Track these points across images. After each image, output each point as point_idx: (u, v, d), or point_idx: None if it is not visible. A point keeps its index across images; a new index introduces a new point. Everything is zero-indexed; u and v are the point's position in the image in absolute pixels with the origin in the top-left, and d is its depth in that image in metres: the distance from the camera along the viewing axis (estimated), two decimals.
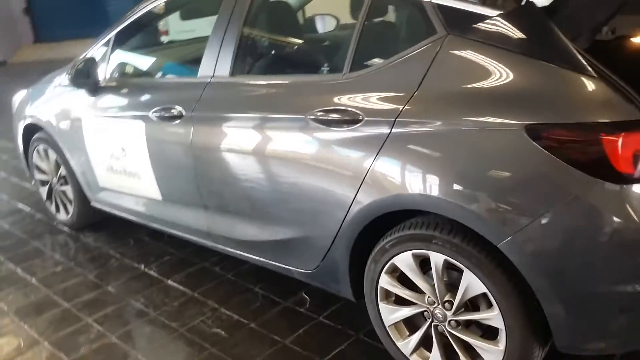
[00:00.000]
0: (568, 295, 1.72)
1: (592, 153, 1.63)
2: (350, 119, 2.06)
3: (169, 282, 3.12)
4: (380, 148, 1.98)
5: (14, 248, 3.72)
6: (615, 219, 1.63)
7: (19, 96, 3.98)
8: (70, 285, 3.20)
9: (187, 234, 2.97)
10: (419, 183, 1.91)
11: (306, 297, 2.84)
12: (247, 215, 2.57)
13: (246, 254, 2.69)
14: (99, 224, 3.85)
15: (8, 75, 10.57)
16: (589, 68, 1.69)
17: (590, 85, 1.69)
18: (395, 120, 1.94)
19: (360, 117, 2.03)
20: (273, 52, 2.84)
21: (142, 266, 3.32)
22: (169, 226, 3.07)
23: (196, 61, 2.73)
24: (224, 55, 2.54)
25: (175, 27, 3.68)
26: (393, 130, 1.95)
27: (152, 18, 3.12)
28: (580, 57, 1.71)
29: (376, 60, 2.09)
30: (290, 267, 2.51)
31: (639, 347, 1.84)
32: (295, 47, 2.78)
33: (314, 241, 2.32)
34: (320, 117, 2.14)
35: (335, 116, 2.10)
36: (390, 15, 2.29)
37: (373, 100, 2.03)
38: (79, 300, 3.04)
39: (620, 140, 1.60)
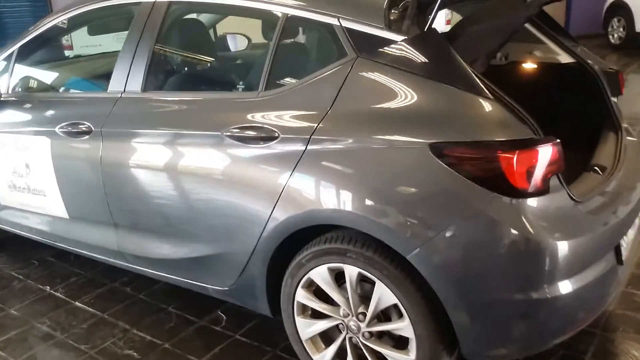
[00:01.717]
0: (472, 304, 1.83)
1: (490, 169, 1.76)
2: (266, 136, 2.09)
3: (77, 303, 3.01)
4: (296, 165, 2.02)
5: None
6: (512, 230, 1.75)
7: None
8: None
9: (96, 253, 2.89)
10: (333, 198, 1.97)
11: (222, 315, 2.82)
12: (160, 233, 2.53)
13: (159, 273, 2.65)
14: (0, 243, 3.65)
15: None
16: (486, 90, 1.82)
17: (487, 106, 1.82)
18: (310, 138, 1.99)
19: (276, 135, 2.07)
20: (186, 68, 2.84)
21: (48, 288, 3.18)
22: (77, 246, 2.96)
23: (105, 76, 2.68)
24: (135, 70, 2.50)
25: (82, 42, 3.57)
26: (308, 147, 2.00)
27: (57, 32, 3.01)
28: (478, 80, 1.84)
29: (290, 80, 2.14)
30: (205, 285, 2.49)
31: (538, 351, 1.98)
32: (209, 64, 2.79)
33: (230, 258, 2.32)
34: (236, 134, 2.15)
35: (251, 133, 2.13)
36: (302, 37, 2.36)
37: (288, 118, 2.08)
38: None
39: (515, 157, 1.73)
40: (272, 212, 2.10)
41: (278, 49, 2.18)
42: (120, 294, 3.07)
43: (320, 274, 2.09)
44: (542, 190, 1.77)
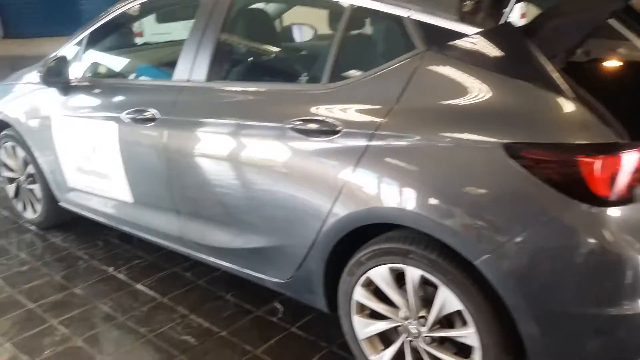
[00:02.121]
0: (543, 315, 1.72)
1: (569, 174, 1.64)
2: (328, 130, 2.03)
3: (138, 286, 3.06)
4: (358, 160, 1.96)
5: None
6: (590, 240, 1.63)
7: None
8: (36, 285, 3.12)
9: (158, 238, 2.92)
10: (395, 197, 1.90)
11: (279, 306, 2.80)
12: (220, 221, 2.53)
13: (218, 261, 2.65)
14: (67, 224, 3.77)
15: None
16: (568, 89, 1.69)
17: (568, 106, 1.69)
18: (373, 133, 1.92)
19: (339, 128, 2.01)
20: (250, 59, 2.81)
21: (111, 269, 3.25)
22: (139, 229, 3.01)
23: (171, 64, 2.68)
24: (200, 60, 2.49)
25: (151, 30, 3.60)
26: (371, 142, 1.93)
27: (127, 19, 3.06)
28: (558, 77, 1.71)
29: (355, 72, 2.06)
30: (263, 276, 2.47)
31: None
32: (273, 55, 2.74)
33: (289, 250, 2.29)
34: (298, 127, 2.11)
35: (314, 126, 2.07)
36: (369, 28, 2.27)
37: (352, 112, 2.01)
38: (45, 301, 2.96)
39: (597, 163, 1.60)
40: (332, 207, 2.05)
41: (343, 40, 2.11)
42: (180, 279, 3.10)
43: (380, 274, 2.03)
44: (626, 199, 1.63)
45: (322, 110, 2.08)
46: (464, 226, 1.77)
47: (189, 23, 2.62)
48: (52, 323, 2.76)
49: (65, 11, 12.19)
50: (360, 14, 2.12)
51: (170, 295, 2.95)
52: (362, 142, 1.95)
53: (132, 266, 3.28)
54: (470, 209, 1.77)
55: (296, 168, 2.14)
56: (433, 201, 1.82)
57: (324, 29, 2.71)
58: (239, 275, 2.62)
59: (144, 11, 3.03)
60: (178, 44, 2.77)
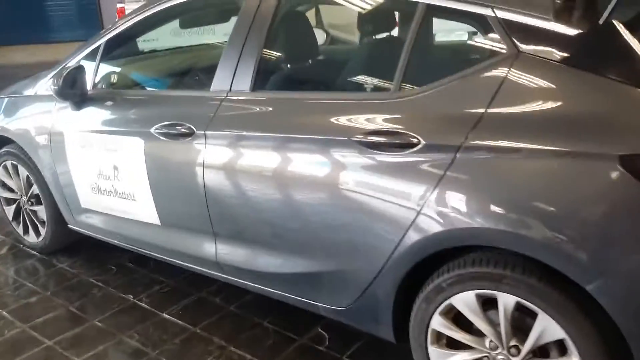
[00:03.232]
0: None
1: None
2: (404, 143, 1.84)
3: (165, 315, 2.81)
4: (442, 176, 1.77)
5: None
6: None
7: None
8: (50, 319, 2.84)
9: (189, 263, 2.68)
10: (489, 216, 1.71)
11: (323, 333, 2.59)
12: (267, 245, 2.31)
13: (263, 287, 2.44)
14: (72, 247, 3.49)
15: None
16: None
17: None
18: (460, 146, 1.74)
19: (417, 141, 1.82)
20: (302, 65, 2.59)
21: (131, 297, 2.99)
22: (167, 254, 2.77)
23: (205, 72, 2.47)
24: (243, 67, 2.28)
25: (175, 36, 3.35)
26: (457, 156, 1.75)
27: (148, 25, 2.80)
28: None
29: (432, 79, 1.87)
30: (316, 303, 2.27)
31: None
32: (329, 60, 2.53)
33: (351, 276, 2.09)
34: (367, 140, 1.91)
35: (386, 139, 1.88)
36: (447, 30, 2.09)
37: (432, 123, 1.83)
38: (63, 337, 2.68)
39: None
40: (408, 229, 1.86)
41: (416, 43, 1.93)
42: (209, 306, 2.87)
43: (465, 301, 1.84)
44: None
45: (394, 121, 1.89)
46: (574, 247, 1.60)
47: (217, 27, 2.41)
48: None
49: (34, 18, 11.81)
50: (435, 13, 1.94)
51: (203, 325, 2.71)
52: (447, 156, 1.76)
53: (154, 292, 3.03)
54: (581, 228, 1.60)
55: (364, 186, 1.94)
56: (535, 220, 1.65)
57: (381, 30, 2.51)
58: (286, 301, 2.41)
59: (167, 16, 2.79)
60: (209, 49, 2.55)
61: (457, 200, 1.76)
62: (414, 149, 1.82)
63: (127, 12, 7.53)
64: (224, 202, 2.36)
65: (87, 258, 3.43)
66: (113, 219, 2.91)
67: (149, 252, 2.88)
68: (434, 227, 1.81)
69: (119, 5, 7.87)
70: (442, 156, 1.78)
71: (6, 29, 11.62)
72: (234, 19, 2.44)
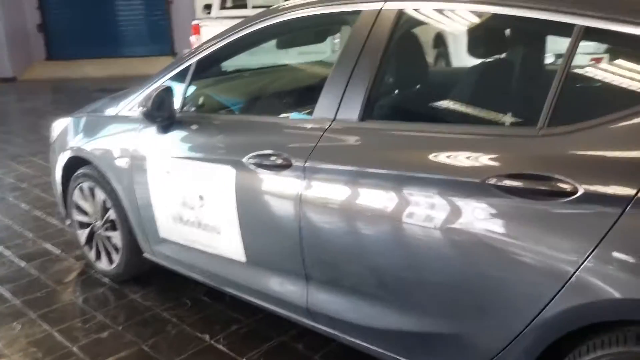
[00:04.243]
0: None
1: None
2: (556, 190, 1.55)
3: None
4: (606, 233, 1.47)
5: (46, 302, 3.15)
6: None
7: (60, 124, 3.46)
8: (123, 358, 2.63)
9: (275, 306, 2.43)
10: None
11: None
12: (371, 295, 2.04)
13: (358, 341, 2.16)
14: (145, 277, 3.31)
15: (18, 92, 10.17)
16: None
17: None
18: (634, 197, 1.43)
19: (574, 190, 1.52)
20: (420, 93, 2.33)
21: (207, 337, 2.76)
22: (250, 294, 2.53)
23: (304, 97, 2.23)
24: (351, 94, 2.04)
25: (271, 56, 3.16)
26: (628, 209, 1.43)
27: (245, 45, 2.61)
28: None
29: (591, 114, 1.57)
30: None
31: None
32: (451, 87, 2.25)
33: (477, 340, 1.79)
34: (506, 185, 1.62)
35: (532, 185, 1.59)
36: (607, 55, 1.79)
37: (595, 168, 1.52)
38: None
39: None
40: (557, 294, 1.55)
41: (569, 71, 1.63)
42: (292, 353, 2.61)
43: None
44: None
45: (542, 164, 1.59)
46: None
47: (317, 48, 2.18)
48: None
49: (106, 33, 12.07)
50: (593, 36, 1.64)
51: None
52: (613, 209, 1.46)
53: (231, 333, 2.79)
54: None
55: (501, 237, 1.65)
56: None
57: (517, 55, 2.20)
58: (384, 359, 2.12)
59: (266, 35, 2.58)
60: (307, 71, 2.31)
61: (619, 264, 1.45)
62: (570, 198, 1.52)
63: (202, 28, 7.53)
64: (322, 243, 2.11)
65: (160, 289, 3.24)
66: (193, 252, 2.70)
67: (230, 291, 2.65)
68: (595, 294, 1.50)
69: (194, 22, 7.84)
70: (606, 209, 1.47)
71: (79, 43, 11.92)
72: (330, 39, 2.21)
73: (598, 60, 1.70)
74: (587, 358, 1.56)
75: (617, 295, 1.46)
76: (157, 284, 3.28)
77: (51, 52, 12.13)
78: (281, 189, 2.17)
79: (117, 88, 3.39)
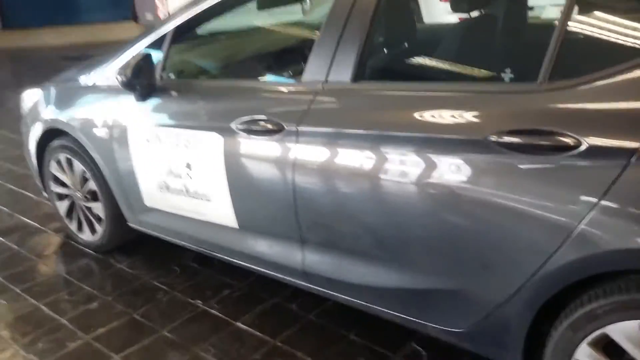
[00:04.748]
0: None
1: None
2: (559, 145, 1.56)
3: (239, 324, 2.58)
4: (610, 185, 1.49)
5: (30, 276, 3.09)
6: None
7: (30, 95, 3.33)
8: (115, 328, 2.61)
9: (270, 269, 2.44)
10: None
11: (419, 349, 2.34)
12: (368, 255, 2.06)
13: (358, 301, 2.19)
14: (129, 246, 3.27)
15: None
16: None
17: None
18: (638, 150, 1.44)
19: (577, 143, 1.53)
20: (416, 51, 2.28)
21: (200, 302, 2.76)
22: (244, 259, 2.52)
23: (288, 59, 2.18)
24: (342, 54, 2.00)
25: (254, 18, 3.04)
26: (632, 161, 1.45)
27: (225, 8, 2.51)
28: None
29: (593, 67, 1.57)
30: (426, 323, 2.01)
31: None
32: (451, 46, 2.22)
33: (476, 296, 1.83)
34: (510, 141, 1.63)
35: (535, 140, 1.59)
36: (607, 8, 1.77)
37: (599, 121, 1.53)
38: (133, 349, 2.45)
39: None
40: (561, 246, 1.58)
41: (568, 24, 1.62)
42: (286, 314, 2.62)
43: (624, 331, 1.56)
44: None
45: (545, 119, 1.60)
46: None
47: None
48: None
49: None
50: None
51: (283, 336, 2.47)
52: (616, 162, 1.47)
53: (224, 297, 2.79)
54: None
55: (504, 194, 1.66)
56: None
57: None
58: (386, 318, 2.15)
59: None
60: (291, 30, 2.25)
61: (629, 215, 1.48)
62: (573, 152, 1.53)
63: None
64: (317, 206, 2.10)
65: (146, 257, 3.21)
66: (182, 219, 2.66)
67: (222, 256, 2.64)
68: (599, 246, 1.53)
69: None
70: (610, 162, 1.49)
71: (35, 9, 11.34)
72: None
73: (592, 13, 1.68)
74: (588, 307, 1.60)
75: (621, 245, 1.49)
76: (143, 253, 3.25)
77: (5, 20, 11.55)
78: (273, 154, 2.14)
79: (80, 56, 3.26)
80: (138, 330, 2.59)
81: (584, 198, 1.53)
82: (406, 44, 2.26)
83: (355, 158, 1.95)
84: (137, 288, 2.93)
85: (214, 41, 2.98)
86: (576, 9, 1.63)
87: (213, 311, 2.69)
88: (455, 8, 2.27)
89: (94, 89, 2.87)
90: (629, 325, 1.55)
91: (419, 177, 1.81)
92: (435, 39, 2.24)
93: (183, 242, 2.79)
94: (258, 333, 2.51)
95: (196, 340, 2.49)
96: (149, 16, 9.40)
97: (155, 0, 7.43)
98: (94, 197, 3.11)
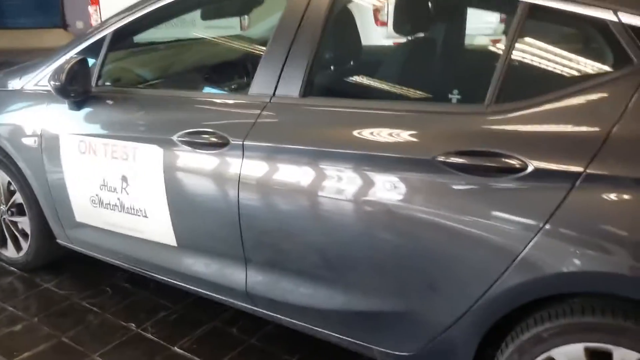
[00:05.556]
0: None
1: None
2: (506, 167, 1.55)
3: (177, 349, 2.44)
4: (556, 208, 1.49)
5: None
6: None
7: None
8: (41, 352, 2.43)
9: (210, 290, 2.33)
10: (616, 260, 1.44)
11: None
12: (314, 277, 1.99)
13: (302, 324, 2.11)
14: (56, 264, 3.08)
15: None
16: None
17: None
18: (583, 173, 1.45)
19: (523, 166, 1.53)
20: (366, 68, 2.25)
21: (133, 325, 2.61)
22: (181, 279, 2.40)
23: (230, 72, 2.12)
24: (291, 68, 1.95)
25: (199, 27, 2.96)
26: (577, 185, 1.46)
27: (167, 15, 2.42)
28: None
29: (539, 91, 1.58)
30: (371, 346, 1.96)
31: None
32: (402, 65, 2.19)
33: (423, 318, 1.79)
34: (458, 162, 1.61)
35: (481, 161, 1.58)
36: (554, 34, 1.80)
37: (544, 144, 1.54)
38: None
39: None
40: (506, 270, 1.57)
41: (515, 48, 1.63)
42: (226, 338, 2.51)
43: (569, 354, 1.57)
44: None
45: (492, 140, 1.59)
46: None
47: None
48: None
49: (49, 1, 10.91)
50: (539, 15, 1.64)
51: None
52: (561, 184, 1.48)
53: (159, 320, 2.65)
54: None
55: (450, 216, 1.64)
56: None
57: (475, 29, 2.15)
58: (330, 340, 2.09)
59: (191, 4, 2.40)
60: (237, 42, 2.19)
61: (574, 239, 1.48)
62: (519, 175, 1.53)
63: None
64: (262, 224, 2.02)
65: (75, 277, 3.03)
66: (115, 236, 2.52)
67: (158, 276, 2.51)
68: (544, 269, 1.52)
69: None
70: (556, 185, 1.49)
71: (28, 12, 10.72)
72: (256, 11, 2.10)
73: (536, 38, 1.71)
74: (534, 330, 1.60)
75: (566, 269, 1.49)
76: (72, 271, 3.07)
77: None
78: (217, 168, 2.05)
79: (4, 62, 3.08)
80: (67, 355, 2.42)
81: (529, 221, 1.52)
82: (357, 62, 2.23)
83: (302, 176, 1.89)
84: (65, 309, 2.75)
85: (154, 50, 2.88)
86: (523, 32, 1.64)
87: (148, 334, 2.55)
88: (398, 31, 2.27)
89: (23, 94, 2.70)
90: (574, 348, 1.55)
91: (362, 196, 1.77)
92: (383, 58, 2.23)
93: (115, 261, 2.64)
94: (196, 358, 2.39)
95: None
96: (79, 24, 9.06)
97: (89, 8, 7.15)
98: (20, 211, 2.91)
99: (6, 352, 2.42)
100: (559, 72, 1.70)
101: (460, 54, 2.19)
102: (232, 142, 2.00)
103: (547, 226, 1.50)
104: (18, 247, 3.03)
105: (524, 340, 1.62)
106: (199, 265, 2.29)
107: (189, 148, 2.10)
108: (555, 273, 1.51)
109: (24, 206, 2.86)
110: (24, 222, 2.92)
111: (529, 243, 1.53)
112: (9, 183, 2.88)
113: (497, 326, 1.70)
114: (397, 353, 1.90)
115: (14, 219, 2.97)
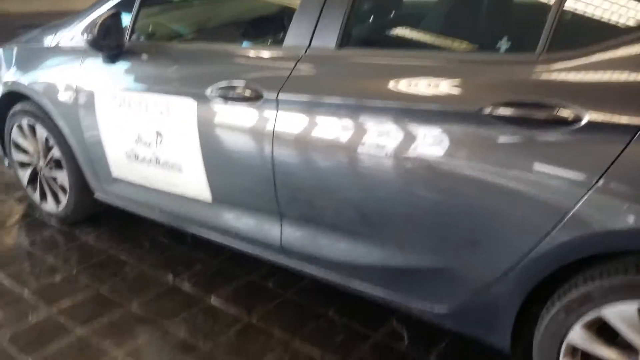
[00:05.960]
0: None
1: None
2: (558, 119, 1.46)
3: (212, 301, 2.47)
4: (612, 163, 1.40)
5: None
6: None
7: None
8: (80, 302, 2.48)
9: (245, 246, 2.32)
10: None
11: (400, 328, 2.26)
12: (350, 232, 1.95)
13: (337, 279, 2.09)
14: (96, 218, 3.12)
15: None
16: None
17: None
18: None
19: (577, 118, 1.44)
20: (407, 17, 2.15)
21: (170, 277, 2.64)
22: (217, 234, 2.40)
23: (266, 24, 2.04)
24: (327, 19, 1.87)
25: None
26: (636, 137, 1.37)
27: None
28: None
29: (591, 39, 1.47)
30: (410, 302, 1.93)
31: None
32: (446, 13, 2.07)
33: (464, 275, 1.74)
34: (507, 114, 1.53)
35: (532, 113, 1.49)
36: None
37: (600, 94, 1.44)
38: (96, 324, 2.33)
39: None
40: (555, 226, 1.50)
41: None
42: (262, 291, 2.52)
43: (621, 314, 1.50)
44: None
45: (543, 91, 1.50)
46: None
47: None
48: (115, 355, 2.15)
49: None
50: None
51: (258, 314, 2.37)
52: (619, 138, 1.39)
53: (196, 273, 2.67)
54: None
55: (497, 171, 1.57)
56: None
57: None
58: (367, 297, 2.07)
59: None
60: None
61: (630, 196, 1.40)
62: (573, 127, 1.44)
63: None
64: (298, 179, 1.98)
65: (114, 231, 3.06)
66: (151, 191, 2.52)
67: (194, 231, 2.51)
68: (597, 226, 1.45)
69: None
70: (611, 138, 1.40)
71: None
72: None
73: None
74: (583, 289, 1.53)
75: (620, 226, 1.42)
76: (111, 225, 3.10)
77: None
78: (251, 123, 2.01)
79: (44, 24, 3.06)
80: (104, 305, 2.46)
81: (582, 176, 1.44)
82: (398, 10, 2.12)
83: (337, 130, 1.83)
84: (103, 261, 2.79)
85: (187, 5, 2.81)
86: None
87: (184, 287, 2.57)
88: None
89: (57, 50, 2.69)
90: (627, 307, 1.49)
91: (402, 150, 1.70)
92: (426, 8, 2.12)
93: (152, 216, 2.65)
94: (232, 309, 2.40)
95: (166, 316, 2.37)
96: None
97: None
98: (58, 165, 2.94)
99: (47, 301, 2.48)
100: (616, 19, 1.58)
101: (508, 1, 2.06)
102: (266, 95, 1.94)
103: (601, 182, 1.42)
104: (57, 202, 3.07)
105: (572, 299, 1.56)
106: (234, 221, 2.28)
107: (223, 102, 2.05)
108: (609, 230, 1.43)
109: (62, 161, 2.88)
110: (62, 177, 2.95)
111: (581, 199, 1.45)
112: (47, 139, 2.90)
113: (542, 284, 1.64)
114: (435, 309, 1.86)
115: (53, 173, 3.00)
